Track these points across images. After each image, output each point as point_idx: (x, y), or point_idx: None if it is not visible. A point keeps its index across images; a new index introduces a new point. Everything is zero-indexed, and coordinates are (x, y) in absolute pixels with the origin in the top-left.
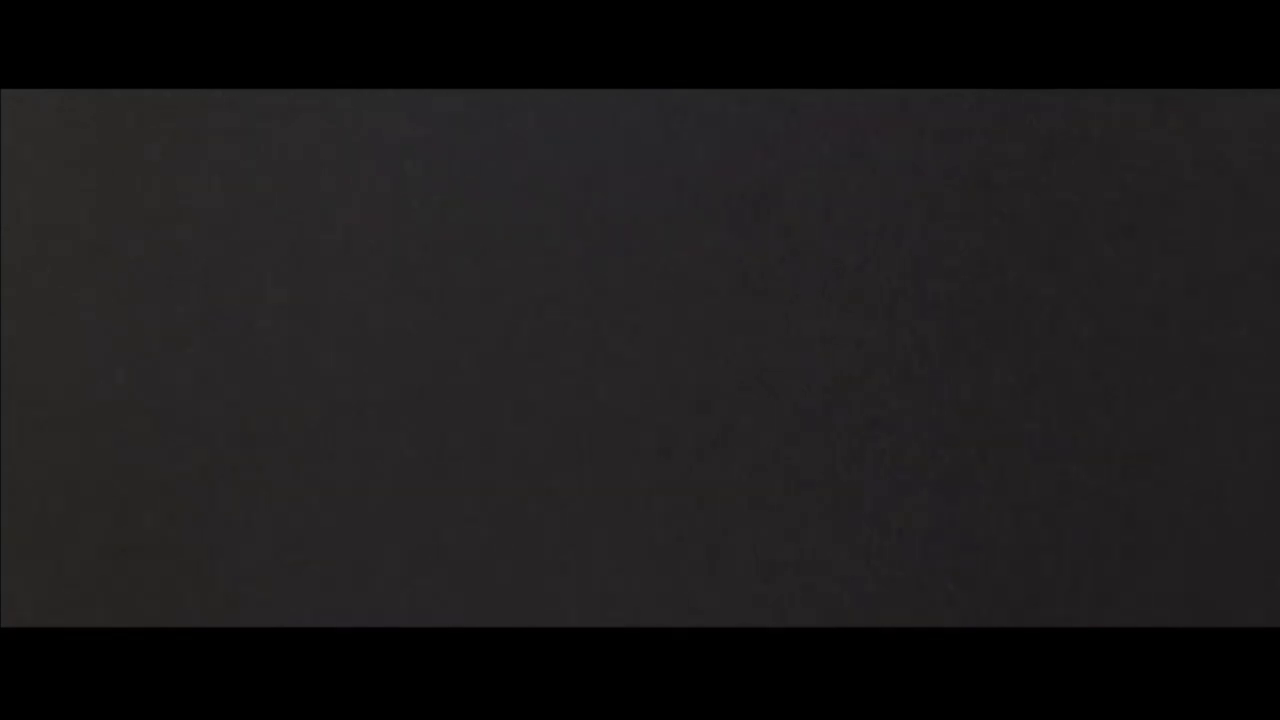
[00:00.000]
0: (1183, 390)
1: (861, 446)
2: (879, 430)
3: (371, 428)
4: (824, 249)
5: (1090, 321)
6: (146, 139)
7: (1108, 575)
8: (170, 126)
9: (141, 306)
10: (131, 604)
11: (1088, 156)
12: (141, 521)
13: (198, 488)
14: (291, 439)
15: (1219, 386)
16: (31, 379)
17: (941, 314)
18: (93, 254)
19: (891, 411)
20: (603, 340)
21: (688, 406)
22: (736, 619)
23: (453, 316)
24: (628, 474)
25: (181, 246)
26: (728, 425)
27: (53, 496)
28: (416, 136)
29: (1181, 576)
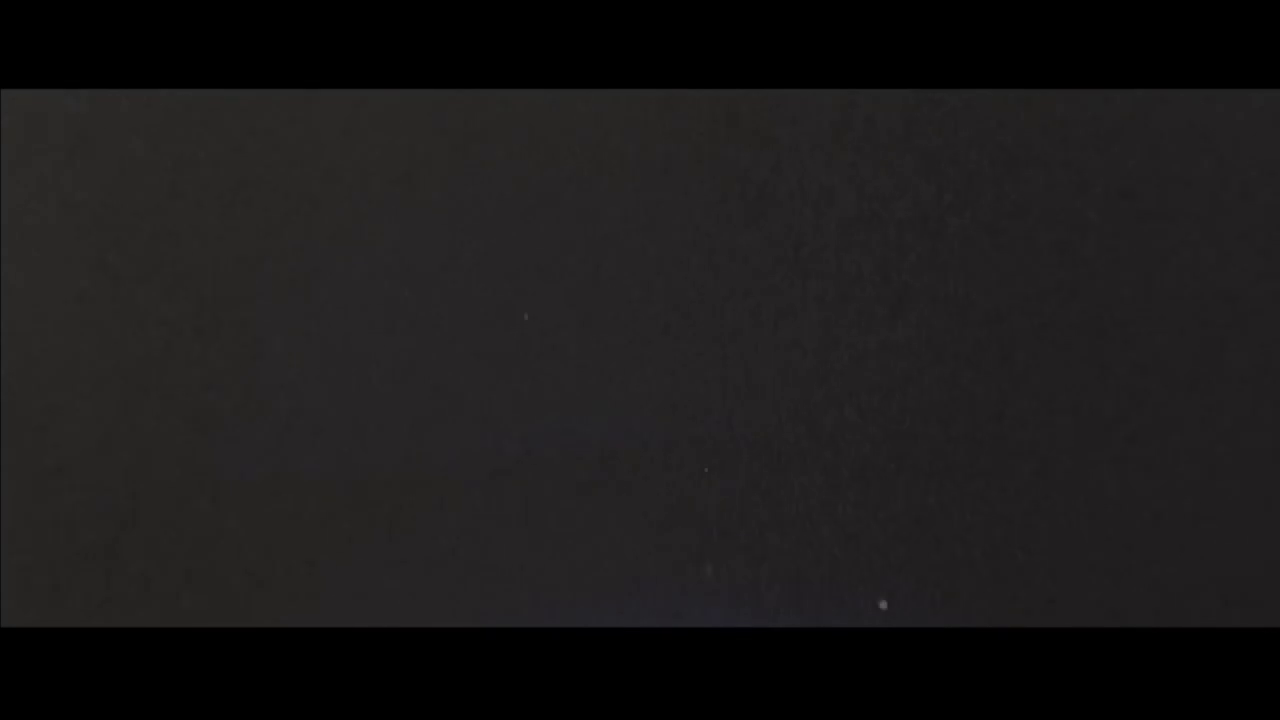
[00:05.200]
0: (1182, 390)
1: (860, 445)
2: (878, 430)
3: (373, 428)
4: (822, 249)
5: (1090, 321)
6: (146, 139)
7: (1107, 575)
8: (170, 126)
9: (142, 306)
10: (131, 604)
11: (1088, 156)
12: (141, 521)
13: (199, 488)
14: (293, 439)
15: (1219, 386)
16: (31, 379)
17: (940, 313)
18: (93, 254)
19: (890, 412)
20: (601, 341)
21: (686, 406)
22: (734, 619)
23: (453, 317)
24: (627, 475)
25: (182, 247)
26: (727, 425)
27: (53, 496)
28: (417, 136)
29: (1181, 576)
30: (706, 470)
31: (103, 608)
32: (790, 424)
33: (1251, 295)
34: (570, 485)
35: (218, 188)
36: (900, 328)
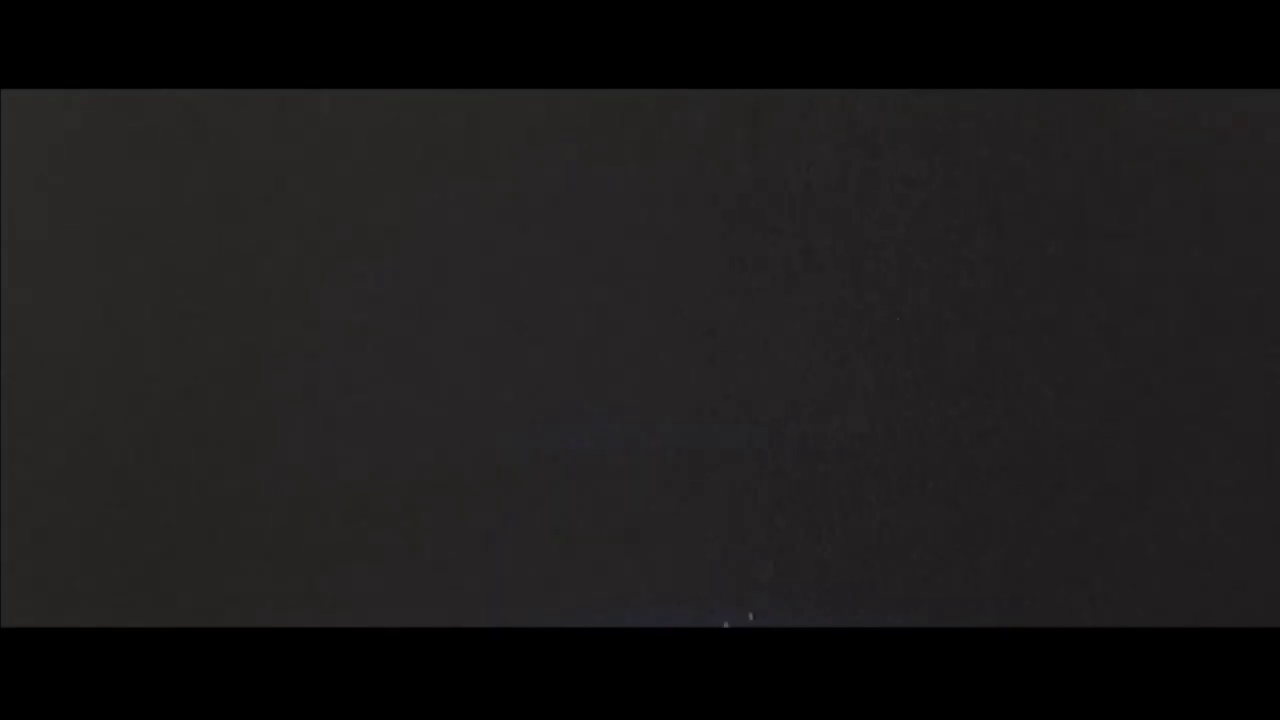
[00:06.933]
0: (1183, 390)
1: (861, 445)
2: (878, 430)
3: (373, 428)
4: (822, 249)
5: (1090, 321)
6: (146, 139)
7: (1107, 575)
8: (170, 126)
9: (142, 307)
10: (131, 604)
11: (1088, 156)
12: (141, 521)
13: (198, 487)
14: (292, 439)
15: (1219, 387)
16: (31, 379)
17: (940, 313)
18: (93, 254)
19: (890, 412)
20: (600, 341)
21: (687, 406)
22: (733, 620)
23: (453, 317)
24: (627, 475)
25: (183, 247)
26: (728, 426)
27: (53, 496)
28: (417, 136)
29: (1181, 577)
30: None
31: (103, 608)
32: (791, 424)
33: (1252, 295)
34: (570, 487)
35: (218, 187)
36: (900, 327)
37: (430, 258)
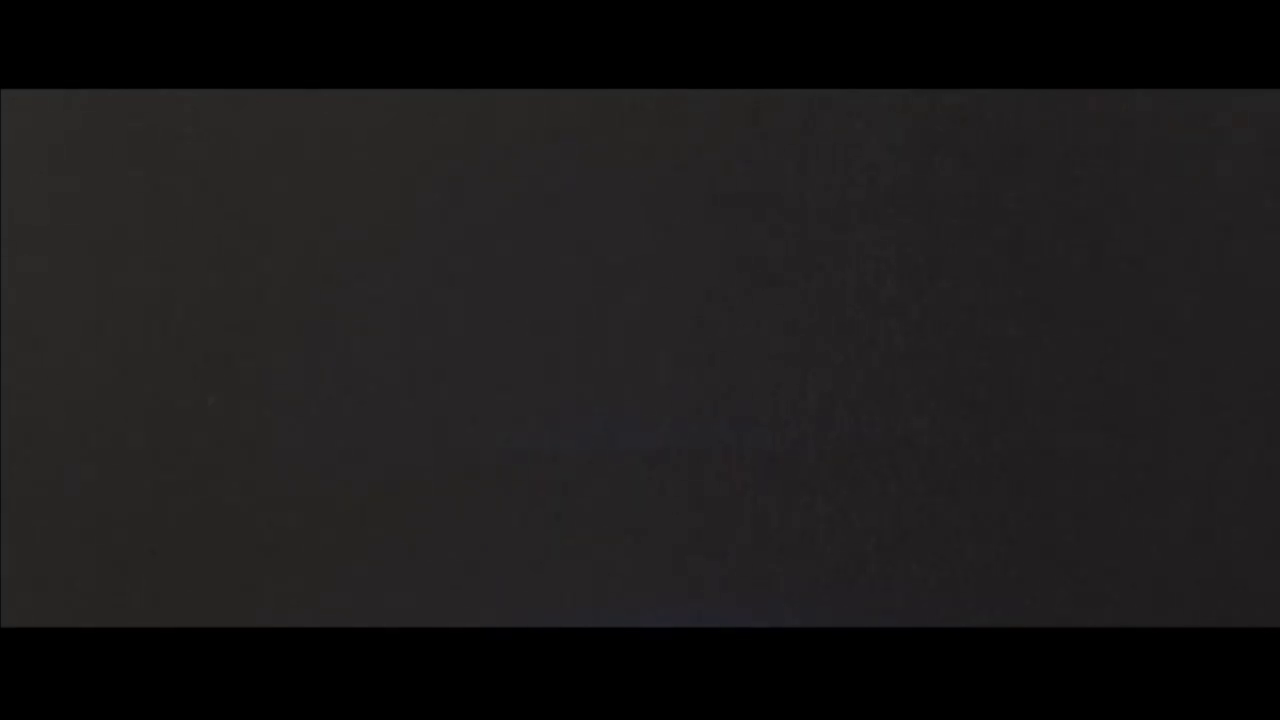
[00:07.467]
0: (1183, 390)
1: (861, 445)
2: (879, 430)
3: (372, 428)
4: (822, 249)
5: (1090, 321)
6: (146, 139)
7: (1107, 575)
8: (170, 126)
9: (142, 306)
10: (131, 604)
11: (1088, 156)
12: (141, 521)
13: (198, 488)
14: (293, 440)
15: (1219, 387)
16: (31, 379)
17: (939, 314)
18: (93, 254)
19: (890, 411)
20: (601, 341)
21: (687, 406)
22: (733, 620)
23: (453, 317)
24: (627, 475)
25: (182, 247)
26: (727, 426)
27: (53, 496)
28: (417, 136)
29: (1181, 577)
30: None
31: (103, 608)
32: (791, 424)
33: (1251, 295)
34: (570, 487)
35: (217, 187)
36: (901, 327)
37: (430, 257)
